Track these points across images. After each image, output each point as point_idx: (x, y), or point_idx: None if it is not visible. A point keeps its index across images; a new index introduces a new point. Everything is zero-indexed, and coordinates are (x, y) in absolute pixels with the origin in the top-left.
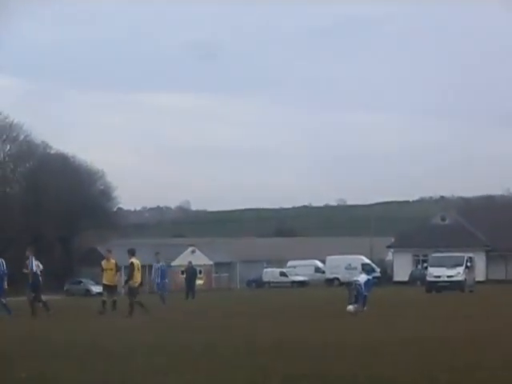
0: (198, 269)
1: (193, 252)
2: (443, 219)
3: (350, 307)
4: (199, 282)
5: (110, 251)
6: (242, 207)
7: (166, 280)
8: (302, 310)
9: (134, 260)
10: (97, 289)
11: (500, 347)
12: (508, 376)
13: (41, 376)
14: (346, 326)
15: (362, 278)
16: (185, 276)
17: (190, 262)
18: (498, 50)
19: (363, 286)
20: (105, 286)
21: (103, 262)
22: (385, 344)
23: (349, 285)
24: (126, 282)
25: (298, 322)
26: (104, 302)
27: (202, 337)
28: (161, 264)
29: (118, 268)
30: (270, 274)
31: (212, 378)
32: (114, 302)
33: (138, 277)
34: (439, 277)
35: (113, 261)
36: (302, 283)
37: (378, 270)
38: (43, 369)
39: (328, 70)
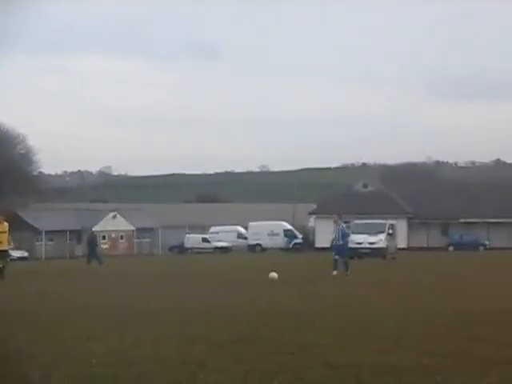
0: (98, 235)
1: (114, 217)
2: (365, 186)
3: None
4: (104, 246)
5: (1, 213)
6: (164, 173)
7: None
8: (226, 276)
9: None
10: (17, 253)
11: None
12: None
13: None
14: (271, 292)
15: None
16: (87, 243)
17: (91, 229)
18: None
19: None
20: None
21: None
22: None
23: None
24: None
25: (223, 288)
26: None
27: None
28: None
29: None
30: (193, 239)
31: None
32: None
33: None
34: (361, 243)
35: (6, 223)
36: (224, 249)
37: (300, 236)
38: None
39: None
